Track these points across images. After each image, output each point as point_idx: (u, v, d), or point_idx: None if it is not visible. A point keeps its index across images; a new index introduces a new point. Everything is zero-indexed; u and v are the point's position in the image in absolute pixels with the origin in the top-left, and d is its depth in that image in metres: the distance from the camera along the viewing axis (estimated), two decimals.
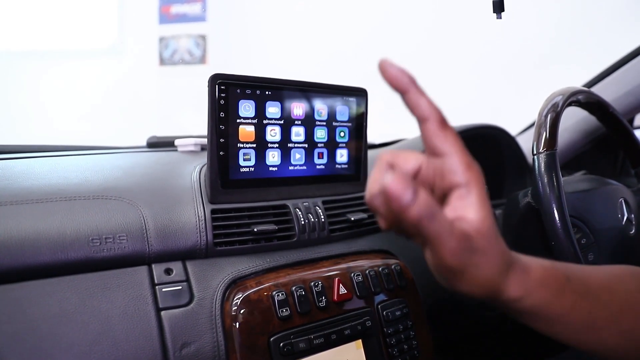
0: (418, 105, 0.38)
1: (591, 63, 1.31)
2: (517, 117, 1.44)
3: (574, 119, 1.29)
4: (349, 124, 0.86)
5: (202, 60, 3.22)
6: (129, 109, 3.12)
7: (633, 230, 0.86)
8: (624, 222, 0.85)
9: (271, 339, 0.67)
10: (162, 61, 3.26)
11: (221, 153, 0.73)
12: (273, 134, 0.78)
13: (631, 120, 1.35)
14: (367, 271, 0.79)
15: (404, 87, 0.38)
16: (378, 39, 2.67)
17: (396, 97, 0.39)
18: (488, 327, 1.08)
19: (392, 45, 2.62)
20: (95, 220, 0.65)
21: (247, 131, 0.75)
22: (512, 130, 1.41)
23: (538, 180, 0.74)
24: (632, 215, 0.87)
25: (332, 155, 0.85)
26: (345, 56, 2.71)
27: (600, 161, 1.40)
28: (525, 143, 1.29)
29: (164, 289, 0.66)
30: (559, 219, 0.71)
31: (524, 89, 2.11)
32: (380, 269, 0.80)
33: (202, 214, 0.72)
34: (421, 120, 0.39)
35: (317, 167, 0.83)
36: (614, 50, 1.23)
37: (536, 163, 0.76)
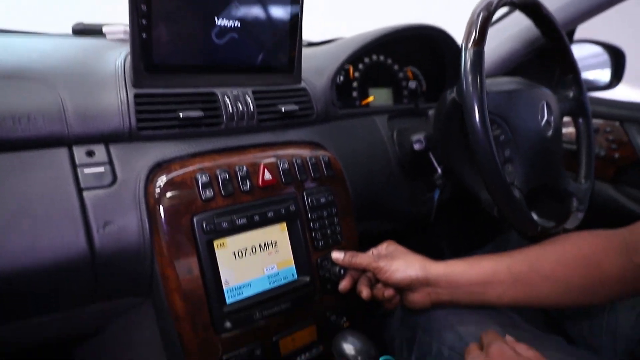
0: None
1: None
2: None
3: (517, 28, 1.30)
4: (285, 16, 0.83)
5: None
6: None
7: (550, 132, 0.91)
8: (543, 124, 0.90)
9: (194, 218, 0.69)
10: None
11: (144, 35, 0.70)
12: (202, 17, 0.74)
13: (572, 32, 1.38)
14: (294, 159, 0.81)
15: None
16: None
17: None
18: (414, 222, 1.15)
19: None
20: (5, 100, 0.63)
21: (172, 13, 0.71)
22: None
23: (462, 76, 0.76)
24: (552, 118, 0.92)
25: (265, 46, 0.83)
26: None
27: (540, 71, 1.43)
28: None
29: (85, 170, 0.66)
30: (478, 114, 0.74)
31: None
32: (308, 158, 0.83)
33: (125, 97, 0.70)
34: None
35: (249, 56, 0.82)
36: None
37: (462, 59, 0.77)
